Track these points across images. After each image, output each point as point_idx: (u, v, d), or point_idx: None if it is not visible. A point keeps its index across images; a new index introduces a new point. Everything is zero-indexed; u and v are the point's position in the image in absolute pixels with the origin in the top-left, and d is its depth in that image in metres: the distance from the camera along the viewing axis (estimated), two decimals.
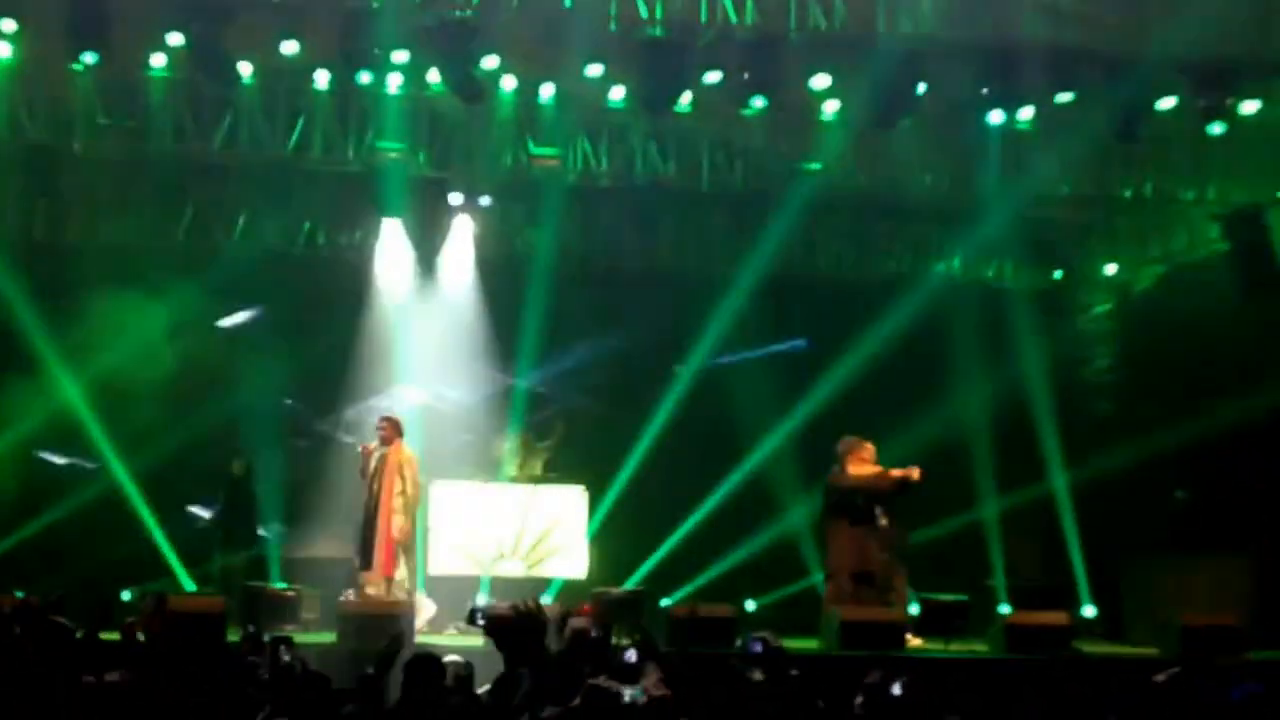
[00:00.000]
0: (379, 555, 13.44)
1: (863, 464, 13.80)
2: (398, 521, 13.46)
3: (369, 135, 14.28)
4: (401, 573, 13.47)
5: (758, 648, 8.13)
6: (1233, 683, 6.90)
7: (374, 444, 13.74)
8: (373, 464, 13.63)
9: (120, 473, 14.54)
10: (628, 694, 6.31)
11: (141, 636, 9.08)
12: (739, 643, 8.33)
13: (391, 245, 15.77)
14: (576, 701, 6.23)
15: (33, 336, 14.36)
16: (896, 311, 15.15)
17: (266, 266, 15.25)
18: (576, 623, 10.00)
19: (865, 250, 16.44)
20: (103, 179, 14.78)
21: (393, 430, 13.76)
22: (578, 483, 15.66)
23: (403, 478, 13.56)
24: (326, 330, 15.50)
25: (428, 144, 14.42)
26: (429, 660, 7.79)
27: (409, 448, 13.81)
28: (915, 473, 13.39)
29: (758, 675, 7.42)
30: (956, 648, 13.08)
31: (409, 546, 13.66)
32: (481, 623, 8.78)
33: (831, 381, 15.42)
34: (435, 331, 15.69)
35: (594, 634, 9.16)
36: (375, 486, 13.58)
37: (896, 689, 7.21)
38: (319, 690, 7.27)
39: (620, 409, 15.99)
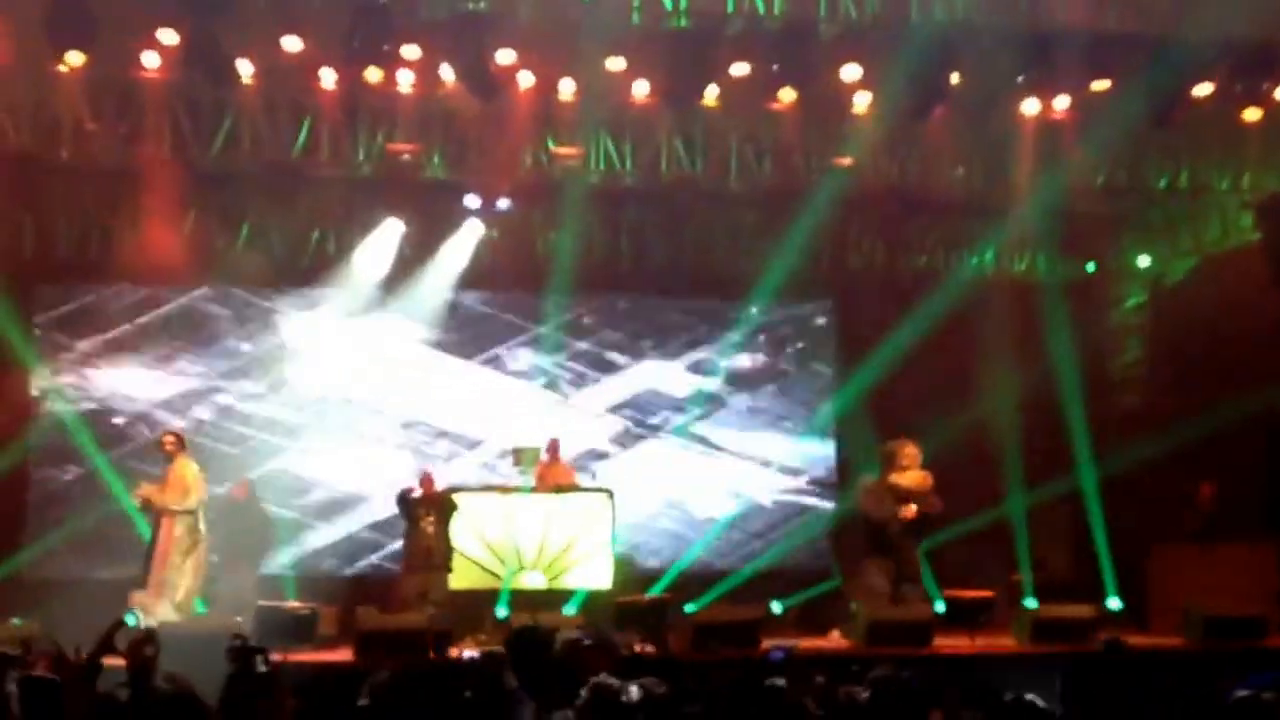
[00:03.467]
0: (155, 574, 12.33)
1: (904, 472, 13.19)
2: (178, 534, 12.36)
3: (379, 137, 12.98)
4: (181, 594, 12.35)
5: (779, 656, 7.72)
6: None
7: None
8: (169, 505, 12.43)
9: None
10: (630, 691, 6.27)
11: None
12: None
13: (380, 245, 14.39)
14: (582, 700, 6.17)
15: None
16: (928, 307, 14.16)
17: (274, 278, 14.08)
18: (567, 634, 9.57)
19: (896, 245, 15.36)
20: (93, 189, 13.44)
21: (177, 445, 12.68)
22: (602, 490, 14.51)
23: (187, 491, 12.48)
24: None
25: (441, 145, 13.11)
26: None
27: (191, 461, 12.66)
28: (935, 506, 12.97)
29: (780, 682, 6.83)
30: (983, 642, 12.46)
31: (196, 563, 12.51)
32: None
33: (863, 378, 14.62)
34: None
35: (586, 643, 8.66)
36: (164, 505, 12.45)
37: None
38: None
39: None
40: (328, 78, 12.60)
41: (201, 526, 12.62)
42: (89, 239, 13.50)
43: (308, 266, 14.19)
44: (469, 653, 11.03)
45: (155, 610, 12.08)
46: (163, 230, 13.48)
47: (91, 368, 13.93)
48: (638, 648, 10.25)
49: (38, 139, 12.64)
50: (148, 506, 12.55)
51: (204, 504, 12.59)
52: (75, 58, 12.08)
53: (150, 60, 12.27)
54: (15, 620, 11.03)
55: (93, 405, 14.04)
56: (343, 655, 11.67)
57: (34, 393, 13.44)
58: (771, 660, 7.83)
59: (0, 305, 12.91)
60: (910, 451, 13.14)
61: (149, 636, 7.93)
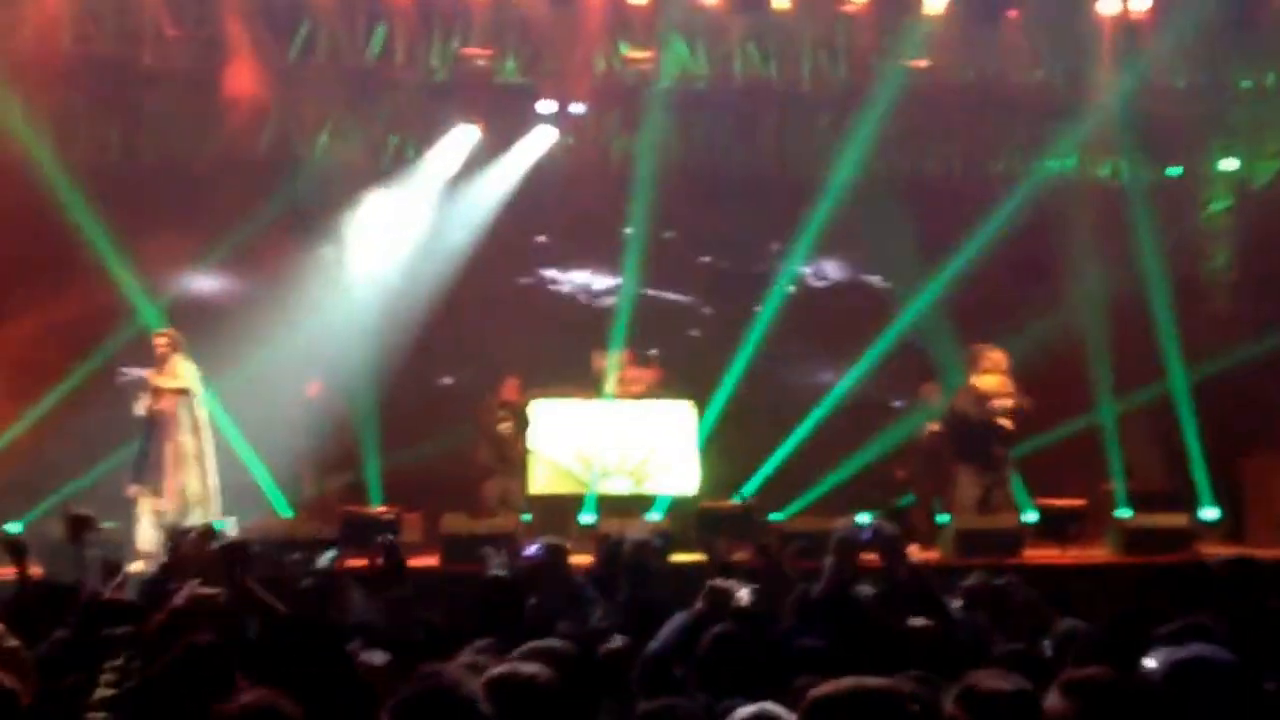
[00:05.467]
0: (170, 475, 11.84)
1: (986, 375, 12.97)
2: (188, 441, 11.88)
3: (453, 41, 12.94)
4: (195, 488, 11.86)
5: (868, 536, 7.66)
6: None
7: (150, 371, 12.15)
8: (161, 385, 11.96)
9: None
10: (743, 595, 6.40)
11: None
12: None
13: (452, 150, 14.11)
14: (699, 604, 6.24)
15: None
16: (1007, 212, 13.74)
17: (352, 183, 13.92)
18: (635, 537, 9.59)
19: (974, 149, 14.89)
20: (174, 93, 13.37)
21: (170, 345, 12.00)
22: (683, 398, 14.18)
23: (191, 392, 11.96)
24: None
25: (515, 49, 13.05)
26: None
27: (187, 360, 12.04)
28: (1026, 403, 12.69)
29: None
30: (1074, 553, 12.19)
31: (205, 463, 12.01)
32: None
33: (942, 285, 14.12)
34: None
35: (656, 544, 8.82)
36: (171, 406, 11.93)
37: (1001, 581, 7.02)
38: None
39: (724, 320, 14.85)
40: None
41: (203, 422, 12.15)
42: (172, 145, 13.60)
43: (385, 171, 14.15)
44: (530, 548, 11.05)
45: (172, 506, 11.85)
46: (242, 136, 13.53)
47: (174, 269, 14.03)
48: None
49: (120, 46, 12.71)
50: (148, 408, 11.97)
51: (199, 397, 12.01)
52: None
53: None
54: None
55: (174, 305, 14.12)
56: (429, 561, 11.61)
57: (117, 299, 13.53)
58: (862, 538, 7.80)
59: (86, 209, 13.01)
60: (995, 356, 12.89)
61: (241, 547, 8.00)
